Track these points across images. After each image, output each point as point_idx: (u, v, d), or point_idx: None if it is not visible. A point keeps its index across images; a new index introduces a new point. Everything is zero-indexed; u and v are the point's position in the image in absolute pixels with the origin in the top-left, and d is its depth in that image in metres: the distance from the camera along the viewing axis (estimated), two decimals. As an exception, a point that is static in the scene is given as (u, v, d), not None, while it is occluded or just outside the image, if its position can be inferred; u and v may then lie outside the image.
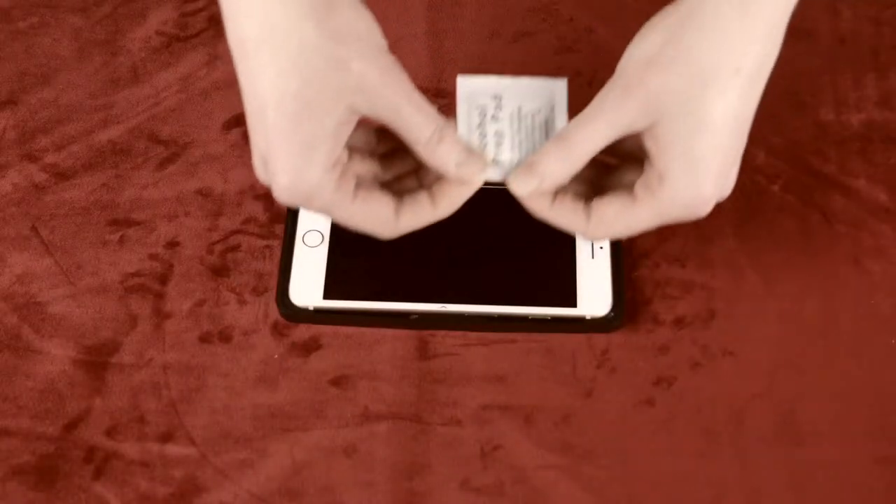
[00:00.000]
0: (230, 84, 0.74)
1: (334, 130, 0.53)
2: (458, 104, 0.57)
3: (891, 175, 0.70)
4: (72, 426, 0.62)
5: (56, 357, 0.64)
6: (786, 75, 0.74)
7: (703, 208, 0.56)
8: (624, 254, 0.66)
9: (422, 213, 0.57)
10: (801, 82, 0.73)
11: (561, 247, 0.66)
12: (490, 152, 0.57)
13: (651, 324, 0.65)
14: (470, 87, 0.58)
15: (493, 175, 0.57)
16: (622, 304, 0.64)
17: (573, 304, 0.64)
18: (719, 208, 0.68)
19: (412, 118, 0.54)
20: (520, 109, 0.58)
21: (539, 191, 0.56)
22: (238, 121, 0.73)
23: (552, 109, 0.58)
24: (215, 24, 0.77)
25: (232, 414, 0.62)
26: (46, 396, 0.63)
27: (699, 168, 0.54)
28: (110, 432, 0.62)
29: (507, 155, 0.57)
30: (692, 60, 0.53)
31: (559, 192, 0.57)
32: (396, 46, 0.75)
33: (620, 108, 0.54)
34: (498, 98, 0.58)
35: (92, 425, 0.62)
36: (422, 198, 0.57)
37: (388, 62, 0.53)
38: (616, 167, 0.60)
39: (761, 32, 0.53)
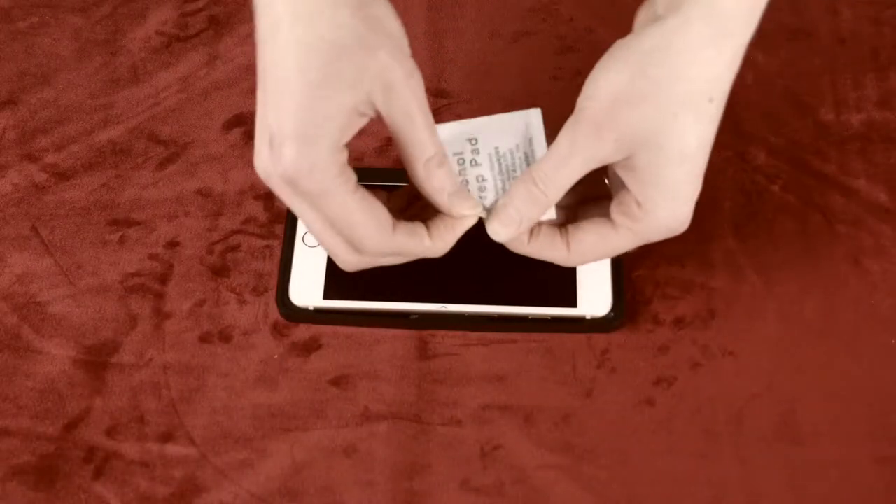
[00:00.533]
0: (230, 84, 0.74)
1: (349, 112, 0.52)
2: None
3: (891, 175, 0.70)
4: (72, 426, 0.62)
5: (56, 357, 0.64)
6: (786, 75, 0.74)
7: (682, 227, 0.56)
8: (624, 254, 0.66)
9: (418, 238, 0.56)
10: (801, 82, 0.73)
11: (561, 247, 0.66)
12: (475, 198, 0.57)
13: (651, 324, 0.65)
14: (444, 135, 0.56)
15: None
16: (622, 304, 0.64)
17: (573, 304, 0.64)
18: (719, 208, 0.69)
19: (421, 132, 0.53)
20: (497, 149, 0.57)
21: (516, 235, 0.57)
22: (238, 121, 0.73)
23: (530, 142, 0.57)
24: (215, 24, 0.77)
25: (232, 414, 0.62)
26: (46, 396, 0.63)
27: (678, 195, 0.54)
28: (110, 432, 0.62)
29: (492, 198, 0.57)
30: (664, 95, 0.52)
31: (535, 226, 0.57)
32: (396, 46, 0.75)
33: (593, 147, 0.54)
34: (474, 141, 0.57)
35: (92, 425, 0.62)
36: (420, 227, 0.56)
37: (412, 67, 0.53)
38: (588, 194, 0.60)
39: (730, 58, 0.53)
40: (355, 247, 0.55)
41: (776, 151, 0.71)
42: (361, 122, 0.53)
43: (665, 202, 0.55)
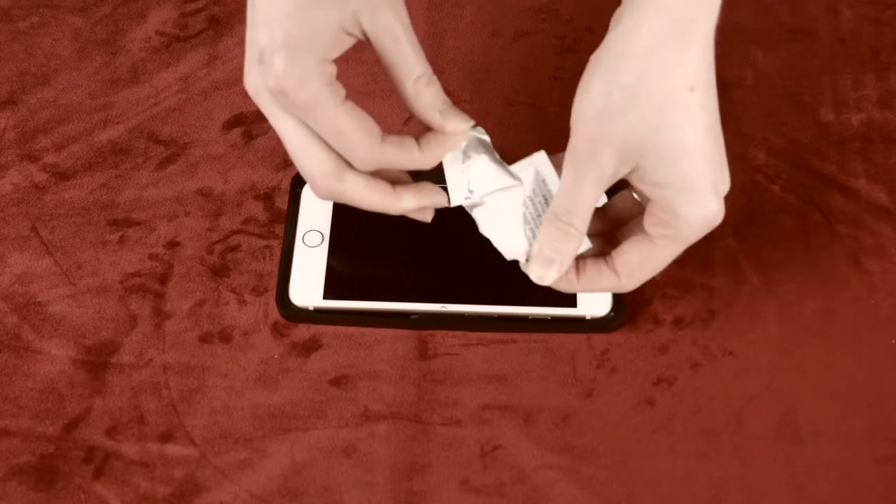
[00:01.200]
0: (230, 84, 0.74)
1: (336, 29, 0.53)
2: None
3: (891, 175, 0.70)
4: (72, 426, 0.62)
5: (56, 357, 0.64)
6: (786, 75, 0.74)
7: (717, 219, 0.55)
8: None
9: (407, 150, 0.56)
10: (801, 82, 0.73)
11: (561, 247, 0.66)
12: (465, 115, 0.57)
13: (651, 324, 0.65)
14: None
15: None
16: (622, 304, 0.64)
17: (573, 304, 0.64)
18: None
19: (408, 51, 0.54)
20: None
21: (561, 273, 0.57)
22: (238, 121, 0.73)
23: (544, 183, 0.58)
24: (215, 24, 0.77)
25: (232, 414, 0.62)
26: (46, 396, 0.63)
27: (695, 189, 0.54)
28: (110, 432, 0.62)
29: (527, 248, 0.58)
30: (643, 99, 0.52)
31: (578, 261, 0.58)
32: (396, 46, 0.75)
33: (596, 167, 0.54)
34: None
35: (92, 425, 0.62)
36: (409, 139, 0.56)
37: None
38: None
39: (699, 47, 0.52)
40: (346, 156, 0.55)
41: (776, 151, 0.71)
42: (348, 42, 0.54)
43: (685, 200, 0.54)
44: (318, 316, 0.65)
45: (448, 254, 0.66)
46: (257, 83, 0.54)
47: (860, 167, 0.70)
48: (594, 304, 0.64)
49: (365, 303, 0.65)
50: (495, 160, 0.57)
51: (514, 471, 0.61)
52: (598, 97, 0.53)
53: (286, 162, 0.70)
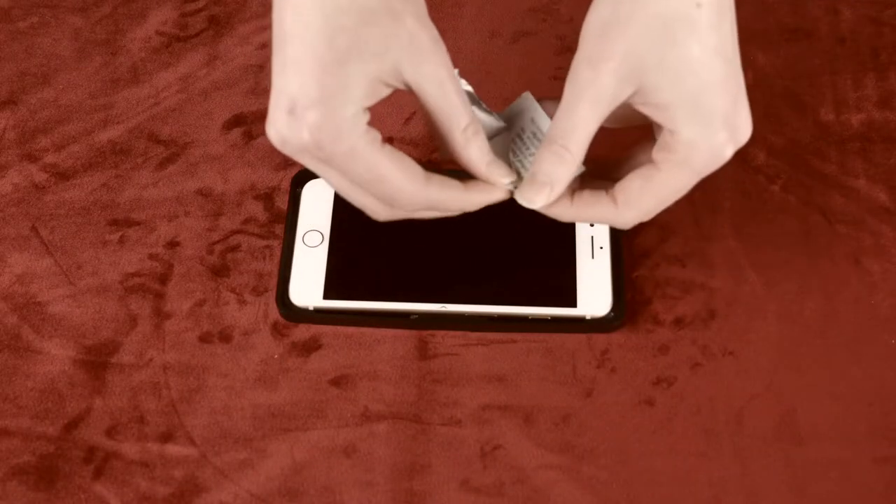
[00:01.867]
0: (230, 84, 0.74)
1: (374, 78, 0.51)
2: None
3: (891, 175, 0.70)
4: (72, 426, 0.62)
5: (56, 357, 0.64)
6: (786, 75, 0.74)
7: (723, 152, 0.54)
8: (624, 254, 0.66)
9: (452, 190, 0.55)
10: (801, 82, 0.73)
11: (561, 247, 0.66)
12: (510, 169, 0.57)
13: (651, 324, 0.65)
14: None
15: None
16: (622, 304, 0.64)
17: (573, 304, 0.64)
18: (719, 208, 0.69)
19: (455, 101, 0.53)
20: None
21: (552, 198, 0.56)
22: (238, 121, 0.73)
23: (532, 121, 0.57)
24: (215, 24, 0.77)
25: (232, 414, 0.62)
26: (46, 396, 0.63)
27: (703, 111, 0.52)
28: (110, 432, 0.62)
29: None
30: (646, 12, 0.51)
31: (575, 190, 0.57)
32: (396, 46, 0.75)
33: (595, 84, 0.52)
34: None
35: (92, 425, 0.62)
36: (453, 180, 0.55)
37: (437, 35, 0.52)
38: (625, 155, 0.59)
39: None
40: (388, 202, 0.54)
41: (776, 151, 0.71)
42: (385, 92, 0.52)
43: (690, 121, 0.53)
44: (318, 316, 0.65)
45: (448, 254, 0.66)
46: (286, 135, 0.52)
47: (860, 167, 0.70)
48: (594, 304, 0.64)
49: (365, 303, 0.65)
50: (483, 109, 0.57)
51: (514, 471, 0.61)
52: (603, 14, 0.52)
53: (286, 162, 0.70)
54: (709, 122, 0.53)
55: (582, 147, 0.54)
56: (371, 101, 0.52)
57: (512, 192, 0.57)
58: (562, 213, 0.57)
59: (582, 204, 0.57)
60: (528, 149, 0.57)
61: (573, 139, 0.54)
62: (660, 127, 0.54)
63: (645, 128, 0.57)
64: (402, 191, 0.54)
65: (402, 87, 0.52)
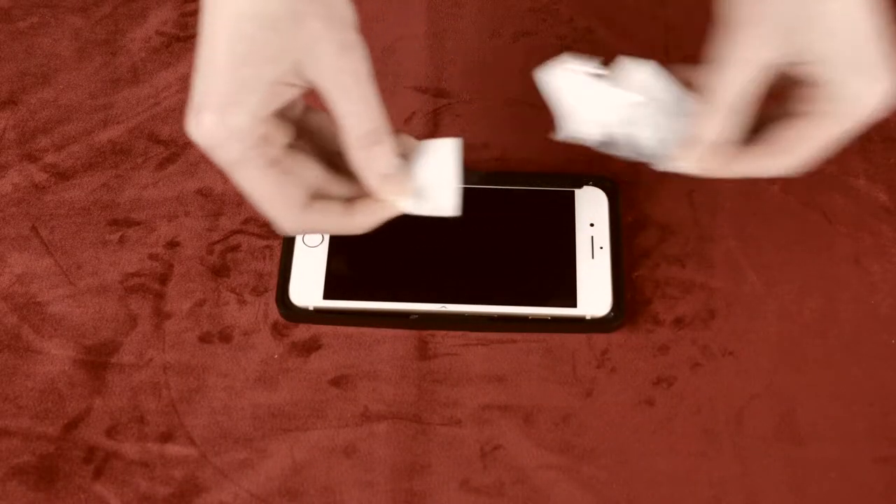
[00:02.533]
0: (230, 84, 0.74)
1: (272, 84, 0.51)
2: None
3: (891, 175, 0.70)
4: (72, 426, 0.62)
5: (56, 357, 0.64)
6: (786, 75, 0.74)
7: (887, 99, 0.54)
8: (624, 254, 0.66)
9: (331, 214, 0.54)
10: (801, 82, 0.73)
11: (561, 246, 0.66)
12: (409, 186, 0.55)
13: (651, 324, 0.65)
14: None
15: (418, 208, 0.55)
16: (622, 304, 0.64)
17: (573, 304, 0.64)
18: (719, 208, 0.69)
19: (355, 105, 0.52)
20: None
21: (705, 155, 0.55)
22: (238, 121, 0.73)
23: (665, 88, 0.56)
24: (215, 24, 0.77)
25: (232, 414, 0.62)
26: (46, 396, 0.63)
27: (863, 61, 0.53)
28: (110, 432, 0.62)
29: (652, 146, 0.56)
30: None
31: (729, 147, 0.56)
32: (396, 46, 0.75)
33: (748, 47, 0.53)
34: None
35: (92, 425, 0.62)
36: (335, 206, 0.55)
37: (350, 39, 0.52)
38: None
39: None
40: (270, 217, 0.54)
41: (776, 151, 0.71)
42: (291, 93, 0.52)
43: (857, 73, 0.53)
44: (318, 316, 0.65)
45: (448, 254, 0.66)
46: (191, 132, 0.52)
47: (860, 167, 0.70)
48: (594, 304, 0.64)
49: (365, 303, 0.65)
50: (606, 89, 0.56)
51: (514, 471, 0.61)
52: None
53: (286, 162, 0.70)
54: (872, 72, 0.53)
55: (727, 107, 0.54)
56: (272, 107, 0.52)
57: (404, 208, 0.55)
58: (719, 169, 0.56)
59: (742, 159, 0.56)
60: (669, 114, 0.56)
61: (721, 98, 0.54)
62: (813, 83, 0.54)
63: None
64: (278, 214, 0.54)
65: (307, 85, 0.52)
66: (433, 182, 0.55)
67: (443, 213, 0.55)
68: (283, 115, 0.53)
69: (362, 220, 0.55)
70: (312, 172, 0.54)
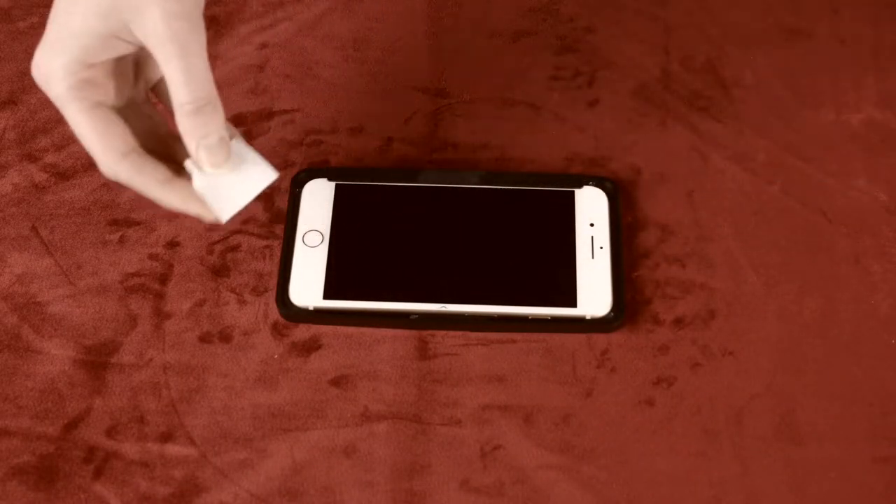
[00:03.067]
0: (230, 84, 0.74)
1: (100, 36, 0.54)
2: None
3: (891, 175, 0.70)
4: (72, 426, 0.62)
5: (56, 357, 0.64)
6: (786, 75, 0.74)
7: None
8: (624, 254, 0.66)
9: (148, 177, 0.57)
10: (801, 82, 0.73)
11: (561, 247, 0.66)
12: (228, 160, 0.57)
13: (651, 324, 0.65)
14: None
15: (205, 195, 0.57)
16: (622, 304, 0.64)
17: (573, 304, 0.64)
18: (719, 208, 0.69)
19: (178, 74, 0.53)
20: None
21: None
22: (238, 121, 0.73)
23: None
24: (215, 24, 0.77)
25: (232, 414, 0.62)
26: (46, 396, 0.63)
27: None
28: (110, 432, 0.62)
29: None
30: None
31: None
32: (396, 46, 0.75)
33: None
34: None
35: (92, 425, 0.62)
36: (159, 168, 0.56)
37: (180, 10, 0.53)
38: None
39: None
40: (94, 159, 0.57)
41: (776, 151, 0.71)
42: (125, 48, 0.55)
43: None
44: (318, 316, 0.65)
45: (448, 254, 0.66)
46: (32, 69, 0.56)
47: (860, 167, 0.70)
48: (594, 304, 0.64)
49: (365, 303, 0.65)
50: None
51: (514, 471, 0.61)
52: None
53: (286, 162, 0.70)
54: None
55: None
56: (101, 56, 0.55)
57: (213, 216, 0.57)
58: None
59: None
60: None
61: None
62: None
63: None
64: (96, 157, 0.56)
65: (139, 44, 0.54)
66: (230, 188, 0.57)
67: (211, 218, 0.58)
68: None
69: (171, 199, 0.57)
70: (138, 133, 0.57)
